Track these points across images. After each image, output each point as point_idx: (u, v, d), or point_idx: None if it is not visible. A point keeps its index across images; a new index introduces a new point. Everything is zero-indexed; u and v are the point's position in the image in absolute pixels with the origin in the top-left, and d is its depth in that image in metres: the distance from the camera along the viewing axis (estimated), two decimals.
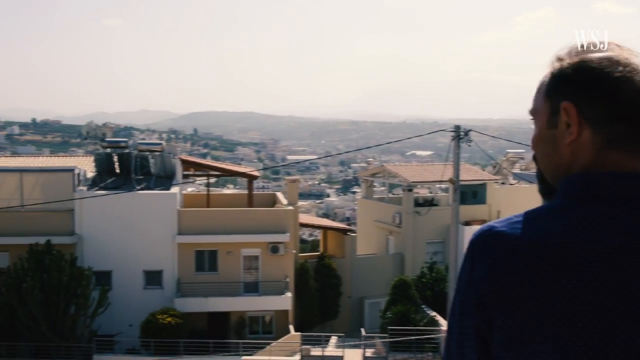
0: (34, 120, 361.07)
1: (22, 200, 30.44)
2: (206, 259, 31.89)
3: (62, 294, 26.93)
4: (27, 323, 26.75)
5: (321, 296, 33.91)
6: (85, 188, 31.41)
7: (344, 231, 37.90)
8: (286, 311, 31.66)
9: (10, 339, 27.64)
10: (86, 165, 34.94)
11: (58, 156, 42.19)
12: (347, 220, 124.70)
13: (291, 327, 30.92)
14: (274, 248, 31.61)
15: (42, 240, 28.25)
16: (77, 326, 27.74)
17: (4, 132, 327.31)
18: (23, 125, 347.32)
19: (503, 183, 43.77)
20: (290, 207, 33.09)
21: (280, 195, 38.23)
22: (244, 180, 46.39)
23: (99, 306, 28.04)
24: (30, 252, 27.60)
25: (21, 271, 27.05)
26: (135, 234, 30.86)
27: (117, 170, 34.30)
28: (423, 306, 28.92)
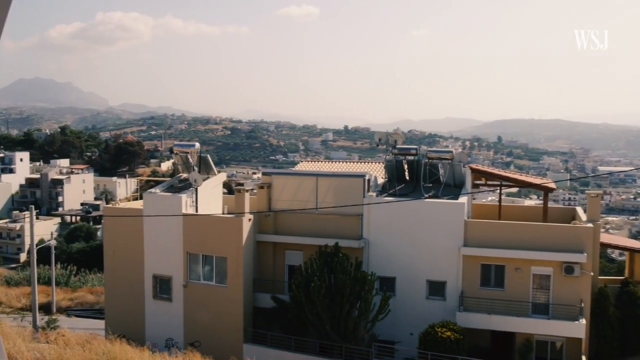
0: (346, 127, 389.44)
1: (317, 203, 31.96)
2: (492, 274, 30.15)
3: (346, 296, 27.57)
4: (313, 320, 27.92)
5: (623, 327, 29.88)
6: (374, 194, 31.87)
7: None
8: (579, 339, 28.48)
9: (299, 334, 29.16)
10: (379, 172, 35.61)
11: (366, 162, 43.94)
12: None
13: (584, 359, 27.71)
14: (569, 268, 28.67)
15: (331, 242, 29.30)
16: (359, 329, 28.16)
17: (320, 138, 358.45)
18: (336, 132, 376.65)
19: None
20: (590, 225, 29.74)
21: (580, 210, 34.76)
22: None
23: (380, 312, 28.13)
24: (319, 253, 28.79)
25: (310, 270, 28.33)
26: (420, 242, 30.43)
27: (407, 178, 34.34)
28: None
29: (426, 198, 31.28)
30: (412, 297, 30.34)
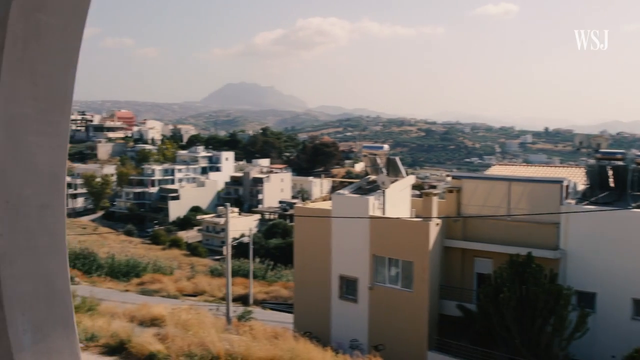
0: (546, 129, 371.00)
1: (509, 210, 30.36)
2: None
3: (538, 309, 25.78)
4: (501, 333, 26.48)
5: None
6: (573, 201, 29.58)
7: None
8: None
9: (486, 346, 27.83)
10: (580, 178, 33.06)
11: (567, 166, 41.29)
12: None
13: None
14: None
15: (523, 251, 27.60)
16: (552, 346, 26.21)
17: (518, 140, 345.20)
18: (536, 134, 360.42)
19: None
20: None
21: None
22: None
23: (577, 329, 25.95)
24: (510, 262, 27.23)
25: (500, 280, 26.90)
26: (626, 256, 27.61)
27: (612, 185, 31.46)
28: None
29: (633, 208, 28.37)
30: (615, 316, 27.66)
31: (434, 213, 30.28)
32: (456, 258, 31.17)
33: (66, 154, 2.73)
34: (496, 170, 37.95)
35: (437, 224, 30.26)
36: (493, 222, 30.38)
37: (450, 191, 31.99)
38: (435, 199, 30.61)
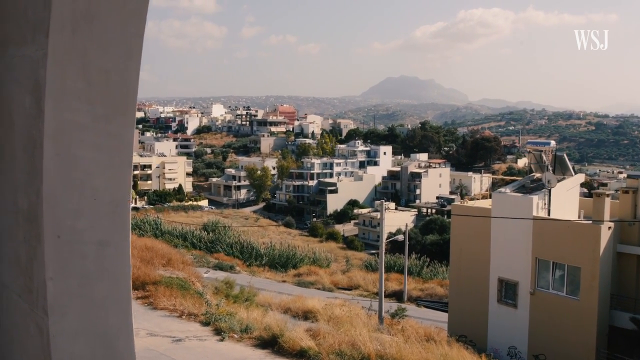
0: None
1: None
2: None
3: None
4: None
5: None
6: None
7: None
8: None
9: None
10: None
11: None
12: None
13: None
14: None
15: None
16: None
17: None
18: None
19: None
20: None
21: None
22: None
23: None
24: None
25: None
26: None
27: None
28: None
29: None
30: None
31: (606, 215, 27.74)
32: (631, 266, 28.39)
33: (130, 176, 2.17)
34: None
35: (610, 228, 27.72)
36: None
37: (626, 192, 29.19)
38: (607, 200, 28.03)
